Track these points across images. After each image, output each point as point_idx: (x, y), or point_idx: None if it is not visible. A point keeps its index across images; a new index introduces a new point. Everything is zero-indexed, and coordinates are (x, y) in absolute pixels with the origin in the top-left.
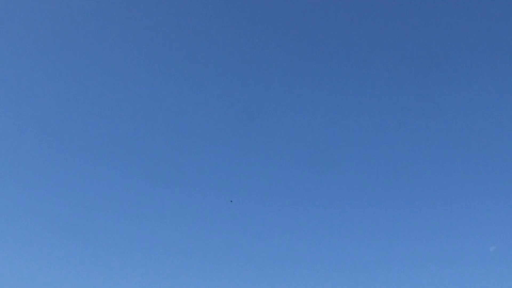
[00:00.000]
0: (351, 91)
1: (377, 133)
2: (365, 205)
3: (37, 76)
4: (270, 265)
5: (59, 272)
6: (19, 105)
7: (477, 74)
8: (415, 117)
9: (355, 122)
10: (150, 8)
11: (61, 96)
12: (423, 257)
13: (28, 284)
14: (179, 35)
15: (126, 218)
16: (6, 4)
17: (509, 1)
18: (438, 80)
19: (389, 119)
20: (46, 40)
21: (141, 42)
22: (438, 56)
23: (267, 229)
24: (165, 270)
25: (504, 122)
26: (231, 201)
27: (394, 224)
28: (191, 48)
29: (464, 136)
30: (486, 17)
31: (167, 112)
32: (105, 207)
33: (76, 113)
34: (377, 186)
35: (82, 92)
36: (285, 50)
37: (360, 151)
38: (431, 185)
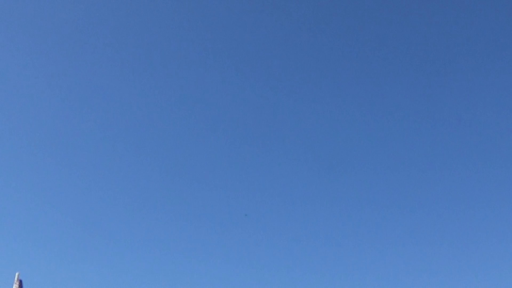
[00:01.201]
0: (362, 94)
1: (392, 135)
2: (385, 209)
3: (51, 74)
4: (280, 266)
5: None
6: (25, 106)
7: (488, 73)
8: (429, 119)
9: (368, 125)
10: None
11: (72, 94)
12: (436, 261)
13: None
14: (185, 36)
15: (132, 215)
16: (6, 4)
17: None
18: (451, 81)
19: (401, 120)
20: (47, 40)
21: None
22: (446, 58)
23: (278, 231)
24: (175, 269)
25: None
26: (246, 215)
27: (408, 227)
28: (196, 50)
29: (479, 138)
30: (497, 14)
31: (175, 112)
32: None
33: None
34: (392, 188)
35: (101, 90)
36: (290, 52)
37: (376, 154)
38: (445, 187)
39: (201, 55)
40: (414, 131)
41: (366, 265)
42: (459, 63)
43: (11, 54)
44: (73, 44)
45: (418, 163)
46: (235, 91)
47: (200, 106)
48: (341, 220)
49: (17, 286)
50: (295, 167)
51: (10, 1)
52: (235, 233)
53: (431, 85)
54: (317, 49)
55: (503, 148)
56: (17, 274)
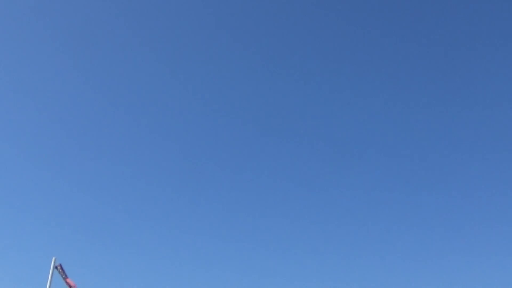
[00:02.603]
0: (374, 86)
1: (400, 126)
2: (393, 196)
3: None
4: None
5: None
6: (25, 107)
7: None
8: (437, 111)
9: (378, 115)
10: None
11: (82, 96)
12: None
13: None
14: (182, 35)
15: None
16: (9, 4)
17: None
18: (458, 76)
19: (410, 111)
20: (51, 40)
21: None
22: (457, 55)
23: (291, 216)
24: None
25: None
26: None
27: (416, 213)
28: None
29: (486, 132)
30: None
31: (179, 115)
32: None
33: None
34: (400, 175)
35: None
36: (302, 44)
37: (385, 143)
38: (451, 175)
39: (213, 50)
40: (422, 122)
41: (373, 251)
42: (471, 62)
43: (15, 53)
44: (82, 44)
45: (425, 152)
46: (249, 83)
47: (216, 99)
48: (353, 205)
49: (59, 269)
50: (308, 156)
51: (13, 2)
52: (248, 220)
53: (442, 79)
54: (327, 42)
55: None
56: (53, 258)
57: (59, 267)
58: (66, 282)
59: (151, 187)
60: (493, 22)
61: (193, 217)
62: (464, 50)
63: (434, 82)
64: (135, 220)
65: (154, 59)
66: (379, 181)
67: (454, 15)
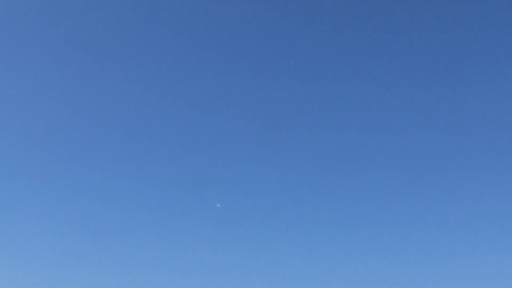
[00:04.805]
0: (371, 94)
1: (398, 135)
2: (391, 205)
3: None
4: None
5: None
6: (23, 106)
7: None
8: (434, 120)
9: (375, 124)
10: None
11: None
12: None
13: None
14: (183, 34)
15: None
16: (7, 3)
17: None
18: (457, 83)
19: (407, 121)
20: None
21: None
22: (453, 60)
23: (286, 226)
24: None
25: None
26: (218, 205)
27: (413, 222)
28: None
29: (482, 140)
30: None
31: (185, 115)
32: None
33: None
34: (397, 185)
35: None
36: (299, 49)
37: (382, 152)
38: (447, 185)
39: (209, 53)
40: (419, 131)
41: (368, 263)
42: (466, 66)
43: (12, 54)
44: (75, 43)
45: (423, 161)
46: (243, 88)
47: (215, 99)
48: (349, 215)
49: None
50: (305, 165)
51: (11, 1)
52: (243, 229)
53: (437, 87)
54: (325, 46)
55: (504, 148)
56: None
57: None
58: None
59: (149, 186)
60: (493, 22)
61: (192, 218)
62: (464, 50)
63: (437, 85)
64: (133, 220)
65: (153, 60)
66: (379, 184)
67: (453, 15)
